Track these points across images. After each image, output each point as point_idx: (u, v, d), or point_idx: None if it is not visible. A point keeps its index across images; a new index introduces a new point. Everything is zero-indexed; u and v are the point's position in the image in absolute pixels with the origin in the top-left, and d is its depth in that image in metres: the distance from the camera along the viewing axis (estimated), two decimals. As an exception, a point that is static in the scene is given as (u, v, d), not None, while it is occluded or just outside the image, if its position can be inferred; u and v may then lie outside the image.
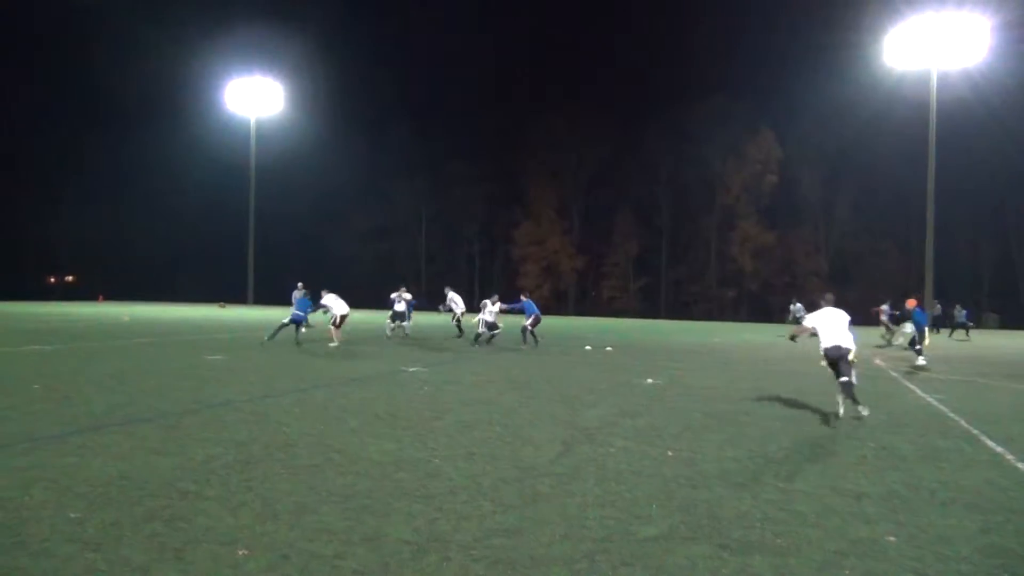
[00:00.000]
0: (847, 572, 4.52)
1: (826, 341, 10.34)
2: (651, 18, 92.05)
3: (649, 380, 14.28)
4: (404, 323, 25.11)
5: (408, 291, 25.84)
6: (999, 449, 8.35)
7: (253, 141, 67.09)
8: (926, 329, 21.63)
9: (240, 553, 4.62)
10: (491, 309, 22.41)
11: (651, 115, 77.97)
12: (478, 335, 22.35)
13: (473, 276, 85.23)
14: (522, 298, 23.59)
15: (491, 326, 22.29)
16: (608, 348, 23.37)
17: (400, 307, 25.05)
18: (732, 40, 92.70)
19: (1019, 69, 56.52)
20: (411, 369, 15.26)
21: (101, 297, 71.61)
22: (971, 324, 37.62)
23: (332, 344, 20.59)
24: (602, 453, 7.62)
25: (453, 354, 19.32)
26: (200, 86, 76.89)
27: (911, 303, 23.43)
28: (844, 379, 10.02)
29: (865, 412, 10.09)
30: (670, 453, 7.70)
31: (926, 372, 17.75)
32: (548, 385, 13.12)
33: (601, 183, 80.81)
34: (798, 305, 32.79)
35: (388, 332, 25.00)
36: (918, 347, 20.99)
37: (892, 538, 5.15)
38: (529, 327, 22.90)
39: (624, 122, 79.55)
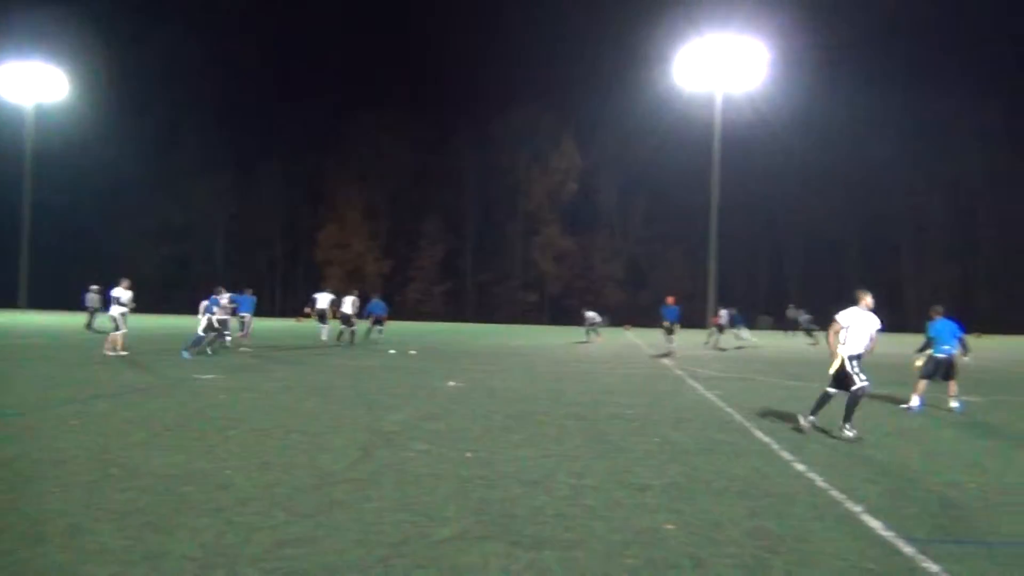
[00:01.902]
0: (629, 561, 4.79)
1: (852, 348, 9.62)
2: (462, 27, 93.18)
3: (451, 383, 14.43)
4: (225, 332, 21.65)
5: (226, 293, 21.99)
6: (767, 440, 9.15)
7: (29, 129, 61.31)
8: (677, 325, 26.23)
9: (-3, 582, 4.21)
10: (224, 304, 20.86)
11: (459, 122, 79.11)
12: (201, 336, 20.41)
13: (275, 279, 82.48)
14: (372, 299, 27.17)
15: (221, 324, 20.75)
16: (412, 351, 23.39)
17: (217, 314, 21.08)
18: (538, 52, 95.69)
19: (793, 94, 62.31)
20: (205, 377, 14.54)
21: None
22: (815, 327, 41.88)
23: (113, 353, 18.86)
24: (401, 457, 7.61)
25: (252, 360, 18.60)
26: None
27: (670, 300, 26.89)
28: (856, 387, 9.51)
29: (850, 434, 9.37)
30: (469, 455, 7.81)
31: (703, 370, 19.11)
32: (349, 390, 12.94)
33: (408, 187, 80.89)
34: (591, 313, 34.08)
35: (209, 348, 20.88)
36: (673, 343, 25.78)
37: (671, 526, 5.51)
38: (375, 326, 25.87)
39: (432, 128, 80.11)
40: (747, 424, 10.35)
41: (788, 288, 79.49)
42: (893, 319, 69.10)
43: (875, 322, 9.67)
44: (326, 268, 78.74)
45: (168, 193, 77.31)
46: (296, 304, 59.17)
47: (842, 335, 9.67)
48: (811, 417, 9.90)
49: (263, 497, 6.01)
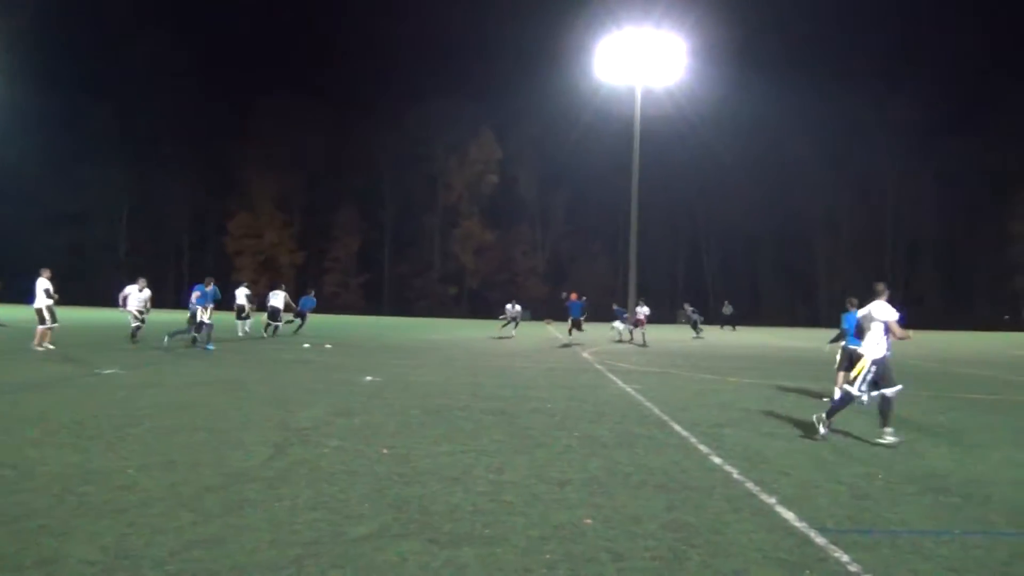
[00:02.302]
0: (548, 556, 4.83)
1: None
2: (381, 12, 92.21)
3: (368, 378, 14.31)
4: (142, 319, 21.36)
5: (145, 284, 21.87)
6: (685, 433, 9.35)
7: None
8: (581, 320, 27.92)
9: None
10: (138, 296, 21.21)
11: (376, 111, 77.84)
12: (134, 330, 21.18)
13: (182, 268, 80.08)
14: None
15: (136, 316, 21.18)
16: (327, 345, 23.08)
17: (132, 304, 21.11)
18: (457, 41, 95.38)
19: (711, 89, 63.63)
20: (106, 372, 14.04)
21: None
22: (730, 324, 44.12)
23: (41, 348, 18.08)
24: (315, 454, 7.50)
25: (157, 354, 18.04)
26: None
27: (573, 296, 27.89)
28: (888, 391, 9.36)
29: (891, 438, 9.02)
30: (385, 451, 7.76)
31: (623, 364, 19.42)
32: (261, 386, 12.68)
33: (323, 176, 79.46)
34: (517, 308, 34.31)
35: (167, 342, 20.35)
36: (575, 336, 27.51)
37: (589, 520, 5.58)
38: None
39: (349, 116, 78.57)
40: (665, 418, 10.56)
41: (707, 282, 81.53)
42: (808, 314, 72.03)
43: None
44: (237, 258, 76.78)
45: (64, 179, 73.86)
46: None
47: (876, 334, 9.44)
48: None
49: (168, 497, 5.83)
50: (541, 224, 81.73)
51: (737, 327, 49.33)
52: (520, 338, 31.75)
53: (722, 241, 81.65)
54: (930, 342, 37.79)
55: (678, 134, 67.22)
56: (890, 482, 7.14)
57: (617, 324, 31.65)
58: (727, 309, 49.34)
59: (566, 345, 27.29)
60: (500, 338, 31.75)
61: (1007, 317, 68.98)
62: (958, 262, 74.39)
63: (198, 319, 20.43)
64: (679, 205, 78.45)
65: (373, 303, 77.85)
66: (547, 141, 75.50)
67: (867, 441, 9.24)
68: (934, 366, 22.33)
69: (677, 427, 9.81)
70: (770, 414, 11.25)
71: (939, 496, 6.69)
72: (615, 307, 33.60)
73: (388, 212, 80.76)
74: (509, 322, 33.45)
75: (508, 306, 34.22)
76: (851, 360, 12.82)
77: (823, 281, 76.94)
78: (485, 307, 70.93)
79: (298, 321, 28.67)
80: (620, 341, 30.66)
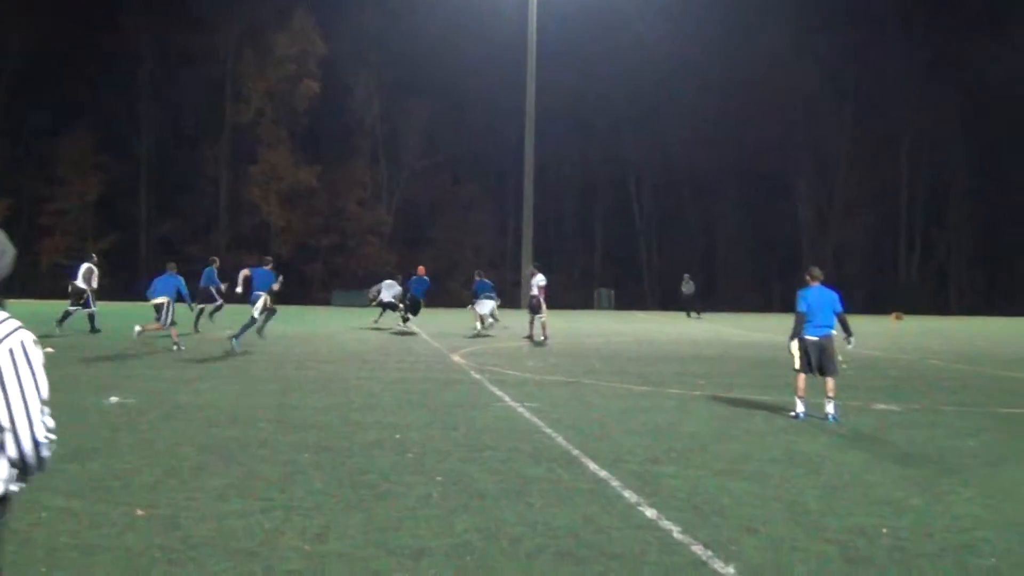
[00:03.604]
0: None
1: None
2: None
3: (114, 398, 14.04)
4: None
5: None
6: (603, 474, 9.51)
7: None
8: (420, 302, 30.13)
9: None
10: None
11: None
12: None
13: None
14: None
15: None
16: (48, 349, 22.36)
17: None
18: None
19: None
20: None
21: None
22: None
23: None
24: (28, 521, 7.27)
25: None
26: None
27: (420, 270, 28.77)
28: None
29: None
30: (140, 512, 7.63)
31: (513, 371, 19.58)
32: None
33: (34, 79, 76.13)
34: (389, 282, 34.43)
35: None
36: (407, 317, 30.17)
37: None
38: None
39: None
40: (574, 451, 10.70)
41: (638, 249, 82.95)
42: (786, 293, 74.34)
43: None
44: None
45: None
46: None
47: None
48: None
49: None
50: (387, 158, 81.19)
51: (702, 313, 50.67)
52: (359, 334, 31.58)
53: (661, 187, 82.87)
54: (958, 332, 39.68)
55: (597, 27, 67.92)
56: (898, 538, 7.45)
57: (482, 305, 31.21)
58: (687, 287, 50.30)
59: (404, 333, 29.02)
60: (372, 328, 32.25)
61: None
62: (998, 219, 78.07)
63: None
64: (598, 133, 79.24)
65: (123, 281, 75.68)
66: (396, 31, 74.87)
67: (865, 474, 9.61)
68: (962, 368, 23.44)
69: (591, 464, 9.96)
70: (728, 441, 11.56)
71: (968, 558, 7.01)
72: (478, 278, 32.81)
73: (145, 139, 78.47)
74: (380, 305, 33.86)
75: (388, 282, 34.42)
76: (820, 355, 13.47)
77: (807, 246, 79.36)
78: (302, 286, 70.13)
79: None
80: (480, 335, 30.43)
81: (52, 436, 3.52)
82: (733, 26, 72.81)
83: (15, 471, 3.48)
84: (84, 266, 29.02)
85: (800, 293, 13.84)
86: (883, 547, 7.19)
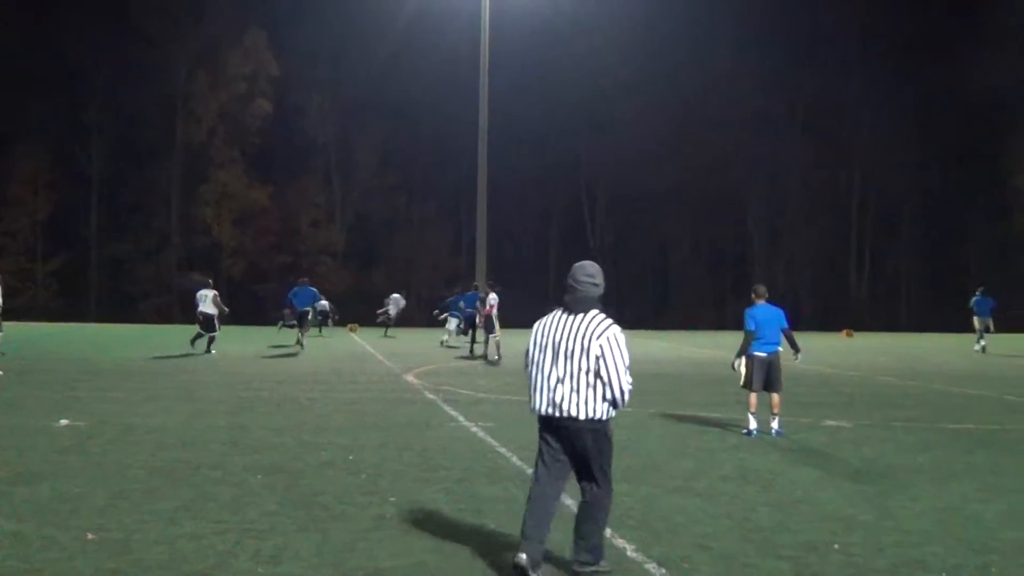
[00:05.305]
0: None
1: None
2: None
3: (64, 421, 13.93)
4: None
5: None
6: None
7: None
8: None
9: None
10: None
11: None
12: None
13: None
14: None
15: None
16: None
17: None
18: None
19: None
20: None
21: None
22: None
23: None
24: (-25, 546, 7.24)
25: None
26: None
27: (303, 280, 29.70)
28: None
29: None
30: (91, 536, 7.58)
31: (466, 390, 19.62)
32: None
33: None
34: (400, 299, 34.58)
35: None
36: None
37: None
38: None
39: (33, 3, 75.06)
40: (529, 470, 10.67)
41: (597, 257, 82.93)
42: (739, 309, 74.57)
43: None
44: None
45: None
46: None
47: None
48: None
49: None
50: (340, 176, 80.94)
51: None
52: (313, 353, 31.48)
53: (615, 205, 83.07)
54: (908, 348, 40.15)
55: (551, 42, 68.05)
56: (850, 554, 7.54)
57: (453, 323, 31.75)
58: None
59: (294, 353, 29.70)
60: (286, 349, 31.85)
61: (1011, 311, 73.05)
62: (948, 235, 78.75)
63: None
64: (552, 151, 79.46)
65: (73, 302, 75.07)
66: (349, 51, 74.77)
67: (816, 491, 9.73)
68: (912, 384, 23.72)
69: (546, 484, 10.01)
70: (681, 458, 11.66)
71: (918, 573, 7.12)
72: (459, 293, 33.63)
73: (96, 157, 77.90)
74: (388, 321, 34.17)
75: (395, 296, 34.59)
76: (768, 371, 13.71)
77: (761, 259, 79.86)
78: (254, 306, 69.67)
79: None
80: (448, 344, 30.91)
81: None
82: (681, 43, 73.09)
83: None
84: (211, 293, 30.26)
85: (748, 312, 14.08)
86: (834, 563, 7.28)
